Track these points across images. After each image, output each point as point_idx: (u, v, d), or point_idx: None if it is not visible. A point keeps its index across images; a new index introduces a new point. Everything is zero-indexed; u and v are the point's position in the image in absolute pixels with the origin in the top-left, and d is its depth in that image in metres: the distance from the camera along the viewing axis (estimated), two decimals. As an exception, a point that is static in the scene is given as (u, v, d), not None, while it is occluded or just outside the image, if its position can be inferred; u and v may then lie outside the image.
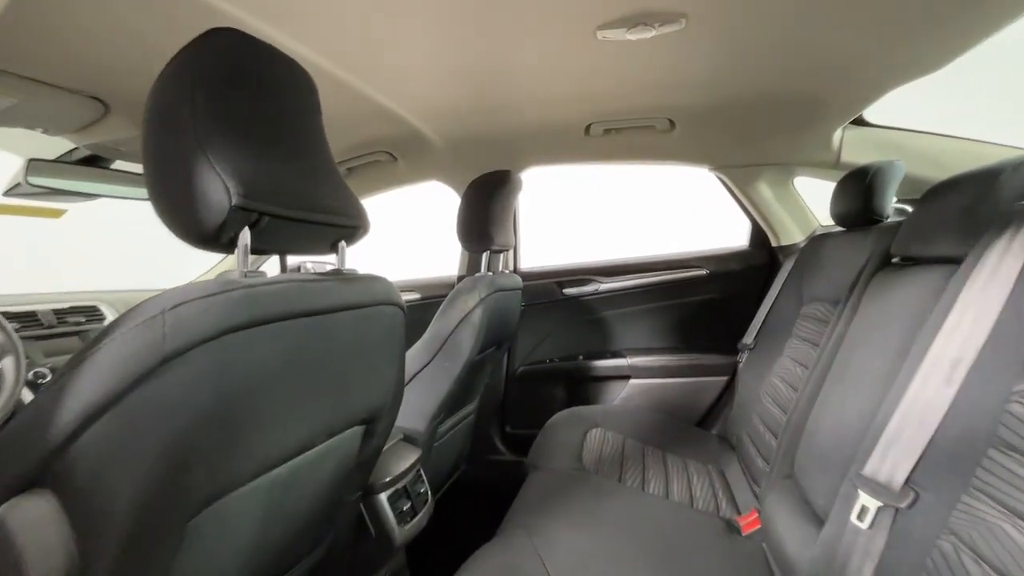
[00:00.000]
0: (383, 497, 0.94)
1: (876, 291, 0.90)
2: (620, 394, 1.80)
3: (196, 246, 0.49)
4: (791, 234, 1.59)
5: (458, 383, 1.21)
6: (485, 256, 1.40)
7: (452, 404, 1.28)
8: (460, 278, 1.86)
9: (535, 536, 0.94)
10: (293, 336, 0.52)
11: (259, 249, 0.52)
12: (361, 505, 0.92)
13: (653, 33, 0.87)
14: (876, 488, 0.62)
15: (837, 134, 1.39)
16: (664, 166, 1.64)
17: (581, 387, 1.85)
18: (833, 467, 0.78)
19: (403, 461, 1.01)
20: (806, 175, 1.56)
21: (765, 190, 1.57)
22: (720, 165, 1.58)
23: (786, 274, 1.47)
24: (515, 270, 1.89)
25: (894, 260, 0.93)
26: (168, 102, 0.48)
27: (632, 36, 0.88)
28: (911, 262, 0.86)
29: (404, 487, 0.99)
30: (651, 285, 1.77)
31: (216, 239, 0.48)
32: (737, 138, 1.45)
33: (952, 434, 0.56)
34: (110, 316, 1.52)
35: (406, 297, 1.97)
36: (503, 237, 1.38)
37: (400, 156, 1.63)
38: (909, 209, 1.21)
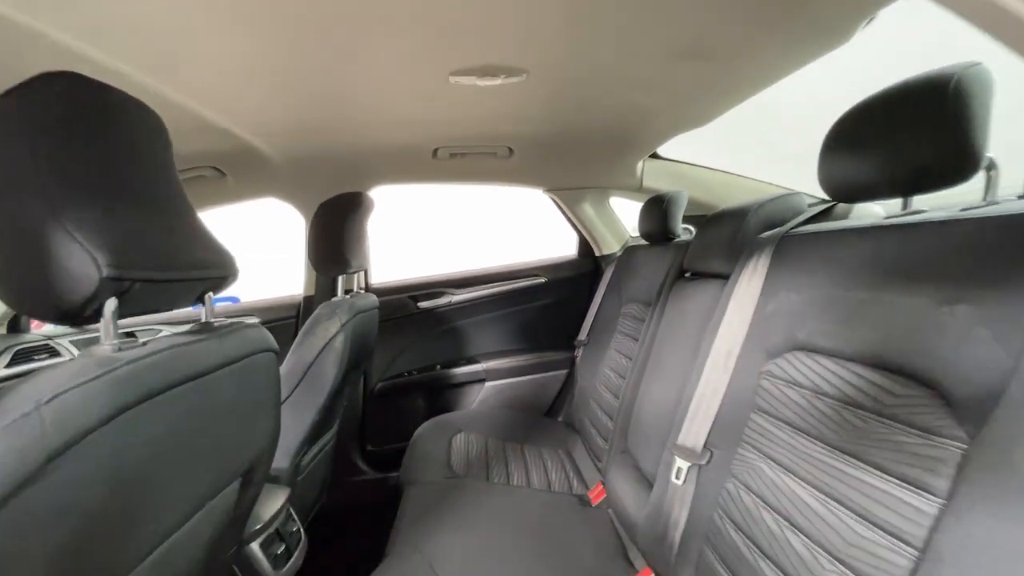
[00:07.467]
0: (255, 546, 0.88)
1: (675, 298, 1.17)
2: (478, 397, 1.92)
3: (54, 323, 0.44)
4: (610, 245, 1.89)
5: (321, 413, 1.18)
6: (341, 278, 1.38)
7: (314, 435, 1.24)
8: (307, 299, 1.77)
9: (423, 550, 0.99)
10: (178, 404, 0.49)
11: (124, 314, 0.48)
12: (233, 565, 0.85)
13: (500, 81, 0.99)
14: (686, 452, 0.82)
15: (640, 165, 1.71)
16: (505, 187, 1.80)
17: (441, 395, 1.93)
18: (656, 440, 0.99)
19: (272, 503, 0.96)
20: (619, 196, 1.87)
21: (588, 208, 1.84)
22: (552, 187, 1.80)
23: (607, 279, 1.75)
24: (367, 287, 1.88)
25: (686, 274, 1.21)
26: (2, 160, 0.41)
27: (482, 83, 0.98)
28: (698, 276, 1.14)
29: (276, 530, 0.95)
30: (499, 294, 1.93)
31: (80, 313, 0.44)
32: (566, 165, 1.68)
33: (729, 405, 0.79)
34: None
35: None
36: (358, 260, 1.37)
37: (229, 172, 1.49)
38: (692, 229, 1.56)
